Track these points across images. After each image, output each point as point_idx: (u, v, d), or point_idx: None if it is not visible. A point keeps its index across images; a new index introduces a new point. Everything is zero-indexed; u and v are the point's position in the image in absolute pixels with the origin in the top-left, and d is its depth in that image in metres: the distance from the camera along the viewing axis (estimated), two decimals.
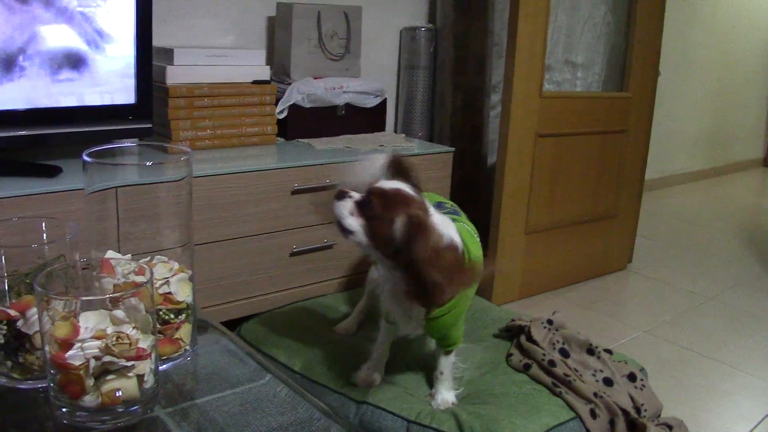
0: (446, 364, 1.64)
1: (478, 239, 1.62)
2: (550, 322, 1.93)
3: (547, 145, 2.91)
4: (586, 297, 3.12)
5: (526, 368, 1.77)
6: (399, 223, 1.32)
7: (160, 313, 1.07)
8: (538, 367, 1.76)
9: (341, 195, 1.38)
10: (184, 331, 1.12)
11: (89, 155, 1.09)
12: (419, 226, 1.31)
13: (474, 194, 3.15)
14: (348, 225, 1.36)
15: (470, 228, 1.63)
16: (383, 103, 2.76)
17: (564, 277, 3.19)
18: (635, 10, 3.19)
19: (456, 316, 1.53)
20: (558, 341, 1.87)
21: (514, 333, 1.93)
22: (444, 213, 1.56)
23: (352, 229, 1.36)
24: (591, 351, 1.88)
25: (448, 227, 1.40)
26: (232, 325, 1.94)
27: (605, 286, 3.28)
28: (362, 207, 1.36)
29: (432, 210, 1.39)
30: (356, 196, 1.37)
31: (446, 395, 1.64)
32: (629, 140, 3.26)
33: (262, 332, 1.91)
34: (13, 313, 1.04)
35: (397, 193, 1.35)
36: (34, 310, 1.04)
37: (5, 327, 1.05)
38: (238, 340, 1.33)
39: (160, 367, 1.03)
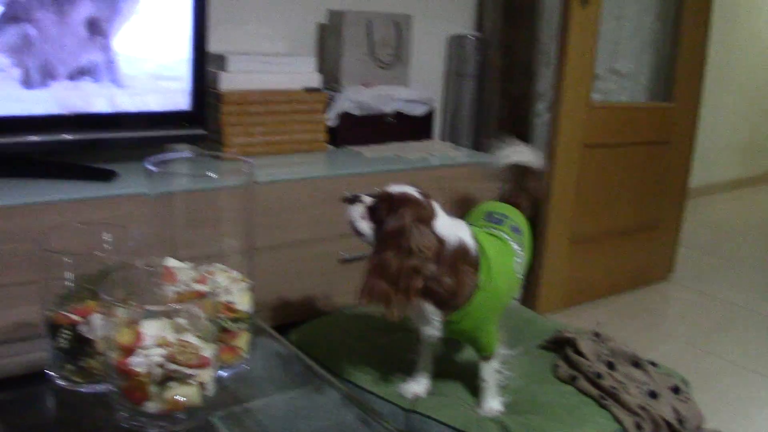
0: (488, 371, 1.63)
1: (517, 250, 1.64)
2: (597, 334, 1.92)
3: (594, 155, 2.89)
4: (628, 307, 3.10)
5: (573, 380, 1.75)
6: (392, 217, 1.39)
7: (220, 321, 1.08)
8: (585, 379, 1.75)
9: (353, 199, 1.47)
10: (243, 340, 1.13)
11: (153, 164, 1.10)
12: (402, 220, 1.39)
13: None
14: (359, 228, 1.45)
15: (510, 238, 1.65)
16: (431, 112, 2.76)
17: (607, 287, 3.17)
18: (682, 18, 3.15)
19: (477, 321, 1.53)
20: (604, 354, 1.86)
21: (560, 345, 1.92)
22: (487, 224, 1.66)
23: (363, 231, 1.44)
24: (637, 364, 1.87)
25: (458, 230, 1.46)
26: (281, 330, 1.95)
27: (648, 297, 3.25)
28: (372, 211, 1.44)
29: (440, 213, 1.44)
30: (367, 200, 1.44)
31: (492, 403, 1.63)
32: (673, 150, 3.23)
33: (311, 338, 1.92)
34: (75, 318, 1.06)
35: (404, 197, 1.42)
36: (96, 315, 1.05)
37: (68, 331, 1.07)
38: (289, 345, 1.34)
39: (218, 375, 1.04)
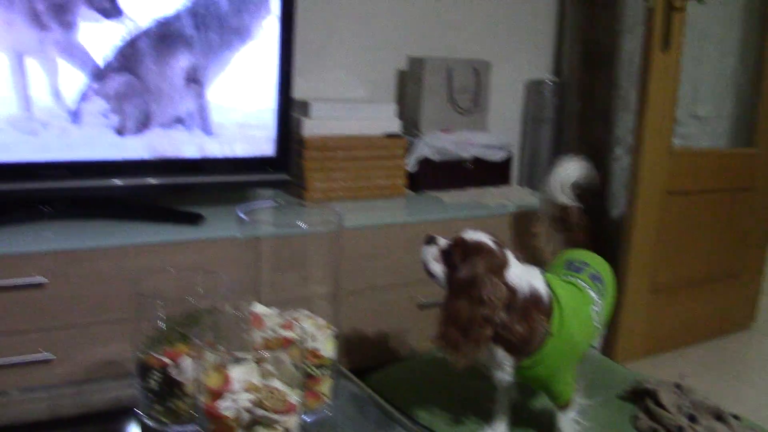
0: (564, 421, 1.61)
1: (595, 298, 1.62)
2: (678, 386, 1.88)
3: (675, 202, 2.85)
4: (709, 357, 3.01)
5: None
6: (465, 266, 1.42)
7: (305, 367, 1.10)
8: None
9: (429, 240, 1.50)
10: (326, 386, 1.14)
11: (243, 211, 1.14)
12: (476, 270, 1.41)
13: (597, 248, 3.10)
14: (432, 269, 1.48)
15: (588, 286, 1.64)
16: (509, 157, 2.77)
17: (687, 336, 3.09)
18: (764, 62, 3.10)
19: (550, 368, 1.52)
20: (686, 406, 1.82)
21: (641, 395, 1.89)
22: (566, 272, 1.66)
23: (435, 273, 1.47)
24: (719, 417, 1.82)
25: (531, 278, 1.46)
26: (360, 373, 1.96)
27: (728, 346, 3.16)
28: (445, 255, 1.46)
29: (513, 261, 1.45)
30: (442, 243, 1.47)
31: None
32: (756, 197, 3.16)
33: (391, 383, 1.92)
34: (166, 360, 1.09)
35: (478, 245, 1.44)
36: (186, 358, 1.08)
37: (158, 373, 1.10)
38: (369, 390, 1.35)
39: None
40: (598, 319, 1.64)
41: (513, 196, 2.60)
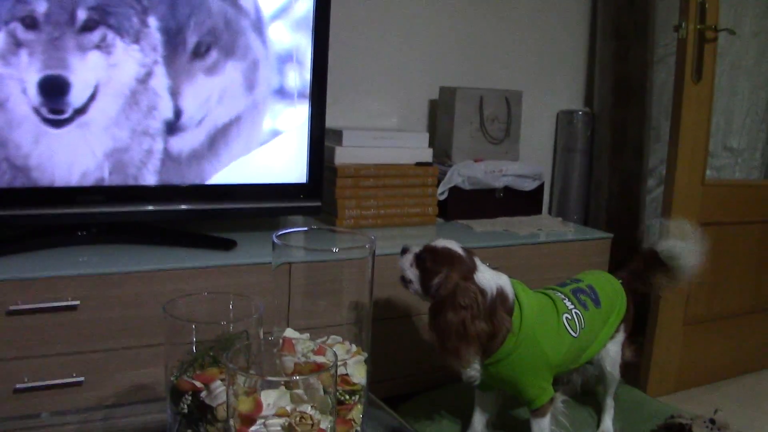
0: (537, 428, 1.65)
1: (571, 308, 1.70)
2: (712, 421, 1.85)
3: (708, 234, 2.81)
4: (745, 392, 2.96)
5: None
6: (439, 277, 1.57)
7: (336, 393, 1.10)
8: None
9: (404, 250, 1.66)
10: (356, 412, 1.14)
11: (278, 237, 1.15)
12: (451, 282, 1.55)
13: (629, 280, 3.07)
14: (408, 276, 1.63)
15: (566, 297, 1.73)
16: (540, 187, 2.76)
17: (722, 371, 3.05)
18: None
19: (515, 368, 1.60)
20: None
21: (674, 431, 1.86)
22: (550, 288, 1.77)
23: (410, 278, 1.63)
24: None
25: (498, 280, 1.60)
26: (389, 402, 1.95)
27: (764, 382, 3.10)
28: (418, 260, 1.62)
29: (480, 266, 1.61)
30: (415, 249, 1.63)
31: None
32: None
33: (420, 412, 1.92)
34: (198, 384, 1.09)
35: (446, 252, 1.60)
36: (218, 382, 1.08)
37: (190, 397, 1.10)
38: (398, 418, 1.34)
39: None
40: (574, 329, 1.68)
41: (544, 226, 2.59)
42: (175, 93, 1.92)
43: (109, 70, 1.83)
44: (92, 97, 1.82)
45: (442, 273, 1.57)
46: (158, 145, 1.93)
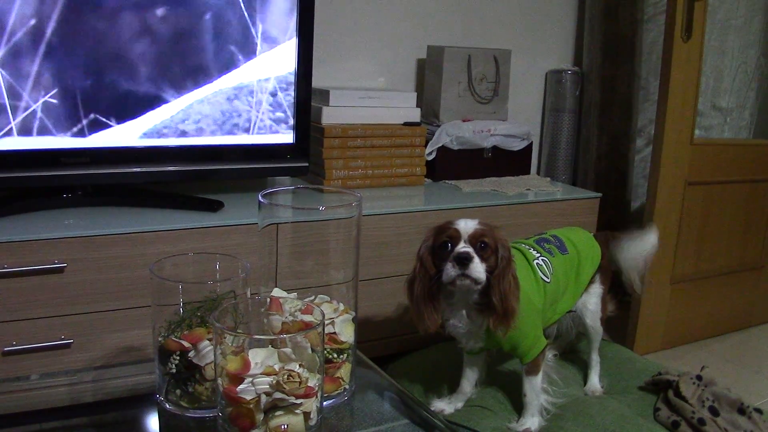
0: (530, 387, 1.66)
1: (536, 256, 1.72)
2: (699, 378, 1.87)
3: (696, 193, 2.82)
4: (730, 350, 2.99)
5: (675, 426, 1.71)
6: (501, 252, 1.51)
7: (324, 352, 1.10)
8: (687, 425, 1.71)
9: (465, 259, 1.48)
10: (344, 371, 1.14)
11: (263, 196, 1.14)
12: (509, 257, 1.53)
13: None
14: (482, 276, 1.48)
15: (531, 247, 1.75)
16: (529, 147, 2.76)
17: (708, 329, 3.07)
18: None
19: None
20: (708, 399, 1.81)
21: (661, 387, 1.88)
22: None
23: (483, 278, 1.48)
24: (742, 410, 1.81)
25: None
26: (376, 362, 1.96)
27: (751, 340, 3.13)
28: (480, 253, 1.49)
29: None
30: (471, 249, 1.49)
31: (528, 421, 1.66)
32: None
33: (409, 371, 1.93)
34: (186, 344, 1.09)
35: (492, 232, 1.53)
36: (206, 342, 1.08)
37: (178, 357, 1.10)
38: (386, 376, 1.35)
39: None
40: (545, 274, 1.69)
41: (532, 185, 2.59)
42: None
43: None
44: None
45: (493, 249, 1.51)
46: None
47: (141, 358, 1.63)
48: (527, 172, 2.79)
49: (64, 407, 1.24)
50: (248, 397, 0.95)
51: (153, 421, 1.18)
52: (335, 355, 1.12)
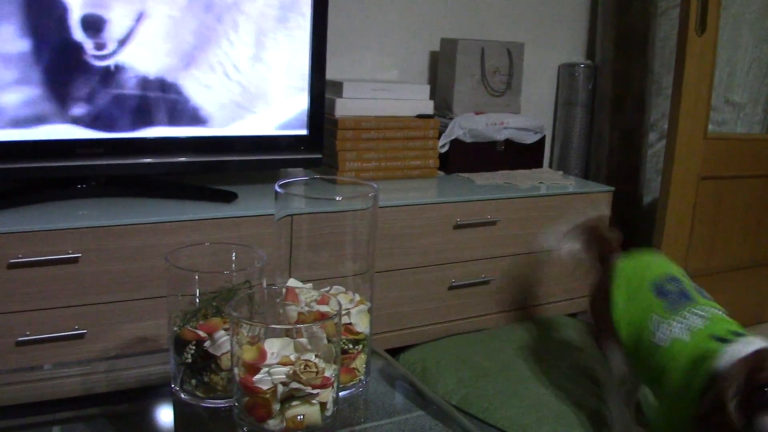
0: None
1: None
2: None
3: (710, 188, 2.81)
4: None
5: None
6: None
7: (340, 342, 1.10)
8: None
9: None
10: (360, 361, 1.14)
11: (279, 186, 1.14)
12: None
13: (629, 234, 3.07)
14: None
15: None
16: (542, 140, 2.75)
17: None
18: None
19: None
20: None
21: None
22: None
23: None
24: None
25: None
26: (390, 353, 1.97)
27: (764, 335, 3.12)
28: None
29: None
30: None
31: None
32: None
33: (420, 363, 1.93)
34: (201, 334, 1.09)
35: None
36: (221, 332, 1.08)
37: (193, 347, 1.10)
38: (401, 368, 1.35)
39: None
40: None
41: (545, 179, 2.58)
42: None
43: None
44: None
45: None
46: None
47: (155, 348, 1.63)
48: (540, 165, 2.79)
49: (77, 397, 1.24)
50: (265, 387, 0.95)
51: (167, 412, 1.18)
52: (351, 346, 1.12)
